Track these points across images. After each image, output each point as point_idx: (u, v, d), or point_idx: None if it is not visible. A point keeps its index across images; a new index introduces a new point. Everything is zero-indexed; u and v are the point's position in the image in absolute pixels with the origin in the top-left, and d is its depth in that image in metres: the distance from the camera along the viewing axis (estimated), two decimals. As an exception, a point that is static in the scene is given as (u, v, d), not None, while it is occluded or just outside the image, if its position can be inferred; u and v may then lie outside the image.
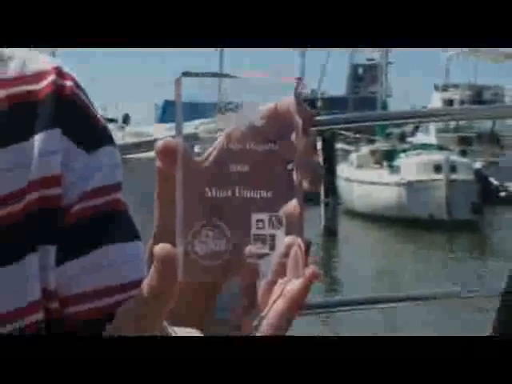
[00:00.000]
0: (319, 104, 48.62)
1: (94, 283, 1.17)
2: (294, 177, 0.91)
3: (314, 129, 0.93)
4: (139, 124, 37.77)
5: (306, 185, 0.92)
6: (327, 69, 57.52)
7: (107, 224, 1.21)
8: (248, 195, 0.91)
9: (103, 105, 45.65)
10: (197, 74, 0.90)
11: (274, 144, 0.91)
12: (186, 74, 0.88)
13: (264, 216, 0.90)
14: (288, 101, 0.94)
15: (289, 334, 1.01)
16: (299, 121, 0.92)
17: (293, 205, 0.91)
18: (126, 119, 38.50)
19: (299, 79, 0.92)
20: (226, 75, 0.91)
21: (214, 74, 0.91)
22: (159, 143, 0.95)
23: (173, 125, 0.90)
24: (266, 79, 0.91)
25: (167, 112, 40.16)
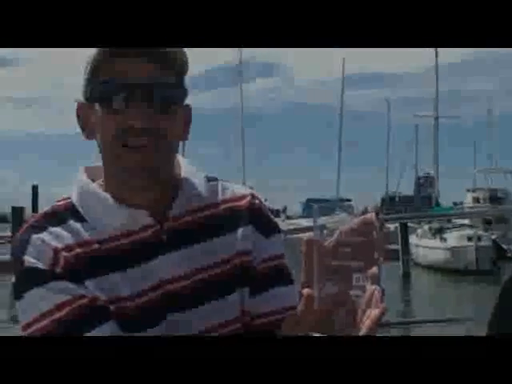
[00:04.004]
0: (397, 199, 47.95)
1: (272, 307, 1.21)
2: (375, 255, 0.90)
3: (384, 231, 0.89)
4: (291, 217, 36.22)
5: (380, 259, 0.90)
6: (402, 177, 56.54)
7: (278, 275, 1.23)
8: (350, 264, 0.90)
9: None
10: (319, 200, 1.27)
11: (363, 237, 0.90)
12: (310, 199, 1.31)
13: (359, 275, 0.90)
14: (371, 215, 0.91)
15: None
16: (378, 225, 0.91)
17: (374, 269, 0.90)
18: (284, 209, 36.87)
19: (376, 205, 0.92)
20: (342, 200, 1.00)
21: (328, 200, 1.12)
22: (305, 238, 0.90)
23: (310, 219, 0.88)
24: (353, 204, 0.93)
25: (306, 208, 38.37)
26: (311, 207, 0.91)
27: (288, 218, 32.85)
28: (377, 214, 0.92)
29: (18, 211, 24.70)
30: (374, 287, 0.89)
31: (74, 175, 1.22)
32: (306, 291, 0.90)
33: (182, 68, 1.17)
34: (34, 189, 28.74)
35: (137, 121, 1.11)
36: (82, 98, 1.19)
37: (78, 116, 1.20)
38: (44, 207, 1.21)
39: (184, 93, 1.19)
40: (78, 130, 1.19)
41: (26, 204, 26.71)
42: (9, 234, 24.22)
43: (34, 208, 27.27)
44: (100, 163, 1.20)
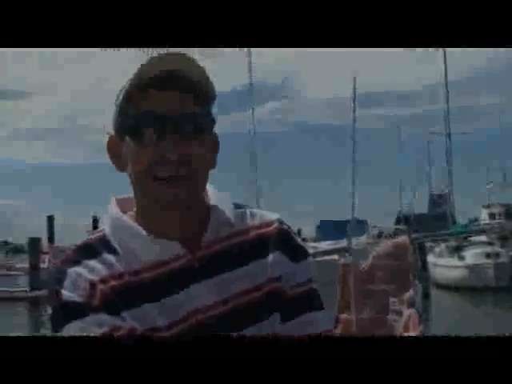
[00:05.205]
0: (411, 218, 47.72)
1: (305, 332, 1.20)
2: (410, 278, 0.91)
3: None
4: (306, 239, 35.89)
5: (416, 282, 0.92)
6: (416, 196, 56.13)
7: (309, 300, 1.24)
8: (386, 288, 0.91)
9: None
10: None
11: (396, 261, 0.91)
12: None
13: (396, 299, 0.90)
14: (404, 238, 0.93)
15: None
16: (410, 248, 0.92)
17: (409, 293, 0.90)
18: (298, 232, 35.83)
19: (407, 230, 0.93)
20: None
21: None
22: (341, 263, 0.92)
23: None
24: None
25: (321, 229, 37.97)
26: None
27: (303, 240, 32.80)
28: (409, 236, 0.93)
29: (34, 242, 24.95)
30: (410, 311, 0.90)
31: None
32: (343, 316, 0.90)
33: (210, 96, 1.19)
34: (50, 219, 28.97)
35: (168, 153, 1.12)
36: (112, 131, 1.21)
37: (109, 148, 1.23)
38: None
39: (212, 122, 1.21)
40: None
41: (40, 235, 26.93)
42: (26, 265, 24.48)
43: (51, 238, 27.49)
44: (130, 194, 1.22)
